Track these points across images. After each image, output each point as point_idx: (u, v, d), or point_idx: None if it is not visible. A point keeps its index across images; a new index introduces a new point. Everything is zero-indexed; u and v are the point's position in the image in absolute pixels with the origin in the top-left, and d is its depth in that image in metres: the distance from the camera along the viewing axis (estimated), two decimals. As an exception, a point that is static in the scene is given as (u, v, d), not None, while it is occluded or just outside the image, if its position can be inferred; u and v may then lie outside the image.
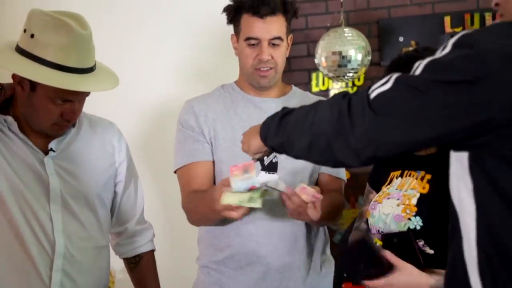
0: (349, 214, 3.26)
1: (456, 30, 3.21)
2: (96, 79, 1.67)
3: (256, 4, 1.86)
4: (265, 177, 1.78)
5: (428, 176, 1.70)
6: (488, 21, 3.16)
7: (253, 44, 1.90)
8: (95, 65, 1.67)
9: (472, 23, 3.20)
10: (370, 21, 3.37)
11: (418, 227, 1.62)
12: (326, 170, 2.05)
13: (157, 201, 3.05)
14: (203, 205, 1.85)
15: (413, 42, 3.25)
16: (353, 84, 3.42)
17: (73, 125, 1.79)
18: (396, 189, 1.76)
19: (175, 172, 1.99)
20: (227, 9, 1.95)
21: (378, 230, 1.68)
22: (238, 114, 1.97)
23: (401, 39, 3.33)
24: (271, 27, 1.88)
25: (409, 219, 1.63)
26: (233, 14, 1.94)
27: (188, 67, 3.35)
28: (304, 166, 1.93)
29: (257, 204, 1.64)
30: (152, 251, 1.99)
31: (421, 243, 1.62)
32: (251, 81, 1.96)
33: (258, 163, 1.74)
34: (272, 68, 1.93)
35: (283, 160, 1.90)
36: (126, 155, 1.92)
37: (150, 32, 3.29)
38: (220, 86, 2.08)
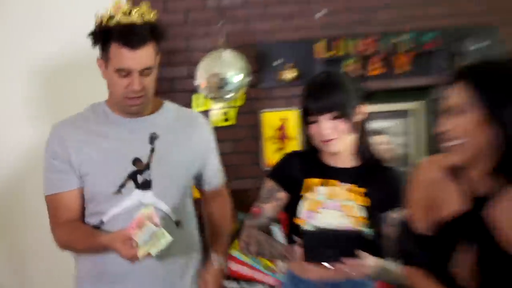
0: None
1: (327, 54, 3.27)
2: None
3: (126, 34, 1.78)
4: (147, 200, 1.83)
5: (362, 190, 1.78)
6: (354, 47, 3.27)
7: (124, 75, 1.81)
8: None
9: (341, 48, 3.28)
10: (248, 45, 3.38)
11: (369, 238, 1.73)
12: (208, 186, 2.08)
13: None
14: (83, 243, 1.86)
15: (288, 65, 3.32)
16: (233, 105, 3.41)
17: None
18: (328, 199, 1.79)
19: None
20: (93, 35, 1.85)
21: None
22: (107, 136, 1.89)
23: (277, 62, 3.35)
24: (142, 57, 1.80)
25: (360, 229, 1.73)
26: (101, 41, 1.83)
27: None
28: (177, 182, 1.92)
29: (167, 237, 1.69)
30: None
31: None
32: (121, 107, 1.89)
33: (147, 214, 1.73)
34: (143, 96, 1.85)
35: (156, 178, 1.88)
36: None
37: None
38: (90, 106, 1.98)
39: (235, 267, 3.15)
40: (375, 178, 1.84)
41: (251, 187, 3.35)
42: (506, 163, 1.44)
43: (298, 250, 1.69)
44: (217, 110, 3.44)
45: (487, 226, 1.46)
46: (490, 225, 1.45)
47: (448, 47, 3.32)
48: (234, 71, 3.12)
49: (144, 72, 1.81)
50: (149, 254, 1.69)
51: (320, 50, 3.32)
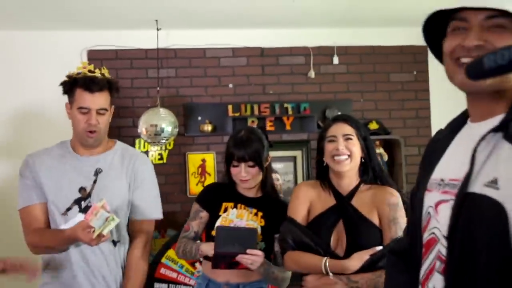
0: (160, 242, 3.26)
1: (236, 114, 3.42)
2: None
3: (88, 82, 1.81)
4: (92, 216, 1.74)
5: (261, 213, 1.83)
6: (256, 109, 3.42)
7: (84, 112, 1.83)
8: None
9: (245, 110, 3.43)
10: (178, 104, 3.47)
11: (261, 249, 1.77)
12: (137, 216, 1.97)
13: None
14: (53, 240, 1.80)
15: (207, 121, 3.44)
16: (165, 148, 3.46)
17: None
18: (236, 218, 1.82)
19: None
20: (64, 84, 1.88)
21: None
22: (64, 167, 1.88)
23: (199, 118, 3.47)
24: (99, 100, 1.83)
25: (257, 243, 1.77)
26: (69, 88, 1.86)
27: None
28: (112, 209, 1.82)
29: (116, 219, 1.69)
30: None
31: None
32: (81, 140, 1.88)
33: (100, 203, 1.72)
34: (98, 131, 1.86)
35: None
36: None
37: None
38: (59, 143, 1.98)
39: (164, 271, 3.09)
40: (271, 206, 1.87)
41: (179, 210, 3.41)
42: (364, 170, 1.74)
43: (209, 248, 1.72)
44: (154, 152, 3.45)
45: (352, 209, 1.69)
46: (355, 208, 1.69)
47: (316, 114, 3.49)
48: (167, 123, 3.15)
49: (99, 111, 1.84)
50: (102, 235, 1.68)
51: (230, 111, 3.43)
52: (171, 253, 3.19)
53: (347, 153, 1.71)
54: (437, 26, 0.99)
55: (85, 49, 3.45)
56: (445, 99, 3.49)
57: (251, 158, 1.80)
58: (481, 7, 0.91)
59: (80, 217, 1.79)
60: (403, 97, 3.71)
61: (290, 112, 3.51)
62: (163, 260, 3.16)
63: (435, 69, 3.64)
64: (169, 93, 3.50)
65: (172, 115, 3.26)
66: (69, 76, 1.87)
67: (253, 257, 1.69)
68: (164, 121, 3.17)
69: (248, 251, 1.67)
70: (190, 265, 3.17)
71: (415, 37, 3.47)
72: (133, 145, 3.36)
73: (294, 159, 3.60)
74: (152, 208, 2.02)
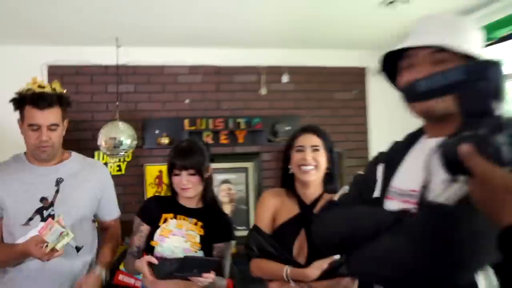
0: (119, 250, 2.91)
1: (192, 128, 3.37)
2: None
3: (36, 99, 1.71)
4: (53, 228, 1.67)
5: (201, 223, 1.73)
6: (210, 124, 3.38)
7: (35, 129, 1.74)
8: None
9: (201, 124, 3.41)
10: (137, 119, 3.43)
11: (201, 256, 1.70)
12: (104, 218, 1.96)
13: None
14: (5, 255, 1.72)
15: (164, 134, 3.39)
16: (124, 160, 3.40)
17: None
18: (176, 228, 1.71)
19: None
20: (13, 101, 1.77)
21: (163, 256, 1.65)
22: (22, 179, 1.79)
23: (157, 131, 3.43)
24: (49, 116, 1.73)
25: (196, 251, 1.68)
26: (18, 105, 1.76)
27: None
28: (75, 217, 1.81)
29: (70, 234, 1.63)
30: None
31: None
32: (34, 155, 1.81)
33: (56, 219, 1.66)
34: (50, 146, 1.77)
35: (57, 213, 1.77)
36: None
37: None
38: (13, 156, 1.88)
39: (122, 277, 3.00)
40: (211, 216, 1.78)
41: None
42: (328, 180, 1.67)
43: (145, 266, 1.60)
44: (113, 163, 3.38)
45: (313, 219, 1.58)
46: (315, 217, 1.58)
47: (267, 128, 3.52)
48: (126, 136, 3.11)
49: (51, 127, 1.74)
50: (55, 250, 1.60)
51: (186, 125, 3.40)
52: None
53: (313, 164, 1.67)
54: (393, 61, 1.02)
55: (46, 64, 3.35)
56: (380, 116, 3.76)
57: (191, 166, 1.71)
58: (421, 45, 0.94)
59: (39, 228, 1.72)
60: (345, 113, 3.78)
61: (242, 126, 3.51)
62: (121, 267, 3.02)
63: (372, 89, 3.84)
64: (128, 108, 3.45)
65: (130, 128, 3.21)
66: (18, 93, 1.77)
67: (207, 280, 1.59)
68: (123, 134, 3.13)
69: (204, 274, 1.58)
70: None
71: (356, 59, 3.74)
72: (92, 157, 3.29)
73: (246, 170, 3.60)
74: (116, 208, 2.04)
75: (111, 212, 2.02)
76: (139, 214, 1.83)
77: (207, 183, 1.81)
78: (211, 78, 3.59)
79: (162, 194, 3.44)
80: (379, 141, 3.74)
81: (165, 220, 1.77)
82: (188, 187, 1.74)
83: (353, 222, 0.96)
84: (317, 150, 1.68)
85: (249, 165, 3.60)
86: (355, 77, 3.79)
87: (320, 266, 1.56)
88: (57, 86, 1.79)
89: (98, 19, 2.76)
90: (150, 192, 3.48)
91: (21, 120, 1.77)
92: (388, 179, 1.01)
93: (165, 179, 3.48)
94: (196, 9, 2.64)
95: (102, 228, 2.03)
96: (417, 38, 0.95)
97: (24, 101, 1.73)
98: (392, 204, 0.97)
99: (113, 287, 3.01)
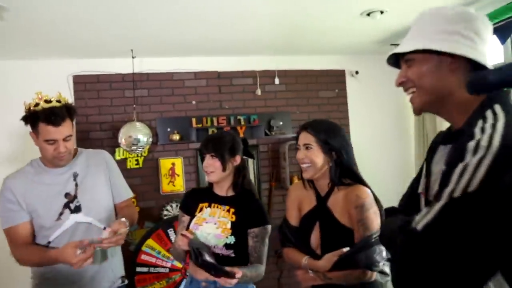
0: (140, 232, 3.15)
1: (198, 125, 3.30)
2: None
3: (49, 117, 1.58)
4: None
5: (233, 210, 1.65)
6: (215, 121, 3.32)
7: (52, 143, 1.63)
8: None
9: (206, 122, 3.32)
10: (151, 119, 3.39)
11: (232, 242, 1.59)
12: (118, 199, 1.84)
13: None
14: (39, 257, 1.62)
15: (175, 132, 3.30)
16: (141, 155, 3.34)
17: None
18: (209, 216, 1.65)
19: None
20: (24, 119, 1.63)
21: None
22: (44, 182, 1.71)
23: (168, 129, 3.37)
24: (63, 130, 1.62)
25: (227, 237, 1.59)
26: (31, 122, 1.62)
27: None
28: (98, 202, 1.74)
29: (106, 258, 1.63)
30: None
31: (230, 251, 1.59)
32: (51, 163, 1.71)
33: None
34: (67, 154, 1.69)
35: (83, 203, 1.71)
36: None
37: None
38: (29, 162, 1.77)
39: (144, 257, 2.99)
40: (242, 203, 1.69)
41: (153, 205, 3.32)
42: (333, 175, 1.49)
43: (184, 241, 1.52)
44: (132, 158, 3.33)
45: (327, 212, 1.48)
46: (329, 211, 1.49)
47: (263, 123, 3.49)
48: (142, 134, 3.09)
49: (66, 139, 1.64)
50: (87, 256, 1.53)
51: (194, 123, 3.35)
52: (149, 242, 3.08)
53: (307, 162, 1.51)
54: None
55: (71, 74, 3.32)
56: (358, 110, 3.81)
57: (212, 149, 1.62)
58: (395, 52, 0.93)
59: (73, 216, 1.67)
60: (329, 109, 3.75)
61: (242, 122, 3.47)
62: (143, 248, 3.06)
63: (351, 88, 3.81)
64: (143, 110, 3.43)
65: (146, 127, 3.20)
66: (28, 110, 1.62)
67: (230, 282, 1.48)
68: (139, 132, 3.12)
69: (226, 280, 1.45)
70: (166, 251, 3.06)
71: (337, 63, 3.79)
72: (113, 153, 3.25)
73: (246, 160, 3.46)
74: (126, 188, 1.93)
75: (123, 192, 1.89)
76: (180, 207, 1.78)
77: (238, 172, 1.71)
78: (214, 82, 3.55)
79: (175, 183, 3.42)
80: (357, 132, 3.75)
81: (201, 209, 1.70)
82: (210, 170, 1.64)
83: (381, 234, 0.95)
84: (309, 148, 1.51)
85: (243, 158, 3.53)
86: (336, 78, 3.77)
87: (329, 259, 1.43)
88: (61, 97, 1.67)
89: (115, 33, 2.75)
90: (164, 182, 3.41)
91: (35, 134, 1.64)
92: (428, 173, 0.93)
93: (177, 170, 3.42)
94: (200, 22, 2.62)
95: (117, 210, 1.87)
96: (401, 43, 0.94)
97: (37, 118, 1.60)
98: (424, 201, 0.90)
99: (136, 265, 2.99)
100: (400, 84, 0.93)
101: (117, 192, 1.87)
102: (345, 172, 1.50)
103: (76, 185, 1.74)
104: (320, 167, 1.50)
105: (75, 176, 1.76)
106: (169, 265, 3.02)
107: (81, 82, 3.27)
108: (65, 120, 1.61)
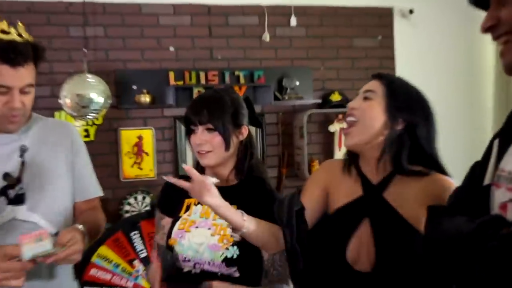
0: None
1: (178, 83, 3.32)
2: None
3: (7, 51, 1.54)
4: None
5: (235, 207, 1.53)
6: (202, 77, 3.36)
7: (3, 92, 1.57)
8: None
9: (190, 78, 3.35)
10: (109, 71, 3.32)
11: (235, 256, 1.52)
12: (78, 198, 1.80)
13: None
14: None
15: (144, 91, 3.29)
16: (93, 123, 3.33)
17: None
18: (200, 217, 1.61)
19: None
20: None
21: (185, 258, 1.53)
22: None
23: (134, 87, 3.33)
24: (24, 75, 1.57)
25: (227, 248, 1.52)
26: None
27: None
28: (52, 193, 1.71)
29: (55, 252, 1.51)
30: None
31: (233, 269, 1.53)
32: None
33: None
34: (21, 115, 1.65)
35: (29, 191, 1.66)
36: None
37: None
38: None
39: (95, 272, 2.99)
40: (251, 196, 1.62)
41: (110, 197, 3.29)
42: (396, 154, 1.42)
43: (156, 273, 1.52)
44: (79, 127, 3.27)
45: (385, 206, 1.42)
46: (388, 205, 1.41)
47: (272, 83, 3.47)
48: (97, 93, 3.01)
49: (25, 89, 1.60)
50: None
51: (171, 79, 3.33)
52: (103, 250, 3.05)
53: (356, 115, 1.42)
54: None
55: (-13, -1, 3.19)
56: (411, 68, 3.76)
57: (209, 118, 1.54)
58: None
59: (11, 210, 1.62)
60: (368, 64, 3.74)
61: (242, 81, 3.47)
62: (94, 259, 3.02)
63: (401, 34, 3.83)
64: (97, 57, 3.36)
65: (101, 83, 3.11)
66: None
67: None
68: (92, 90, 3.03)
69: None
70: (127, 263, 3.06)
71: None
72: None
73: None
74: (95, 183, 1.88)
75: (89, 188, 1.84)
76: (158, 205, 1.75)
77: (244, 150, 1.63)
78: (202, 20, 3.52)
79: (142, 166, 3.44)
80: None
81: (188, 208, 1.64)
82: (206, 149, 1.56)
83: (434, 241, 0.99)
84: (369, 97, 1.43)
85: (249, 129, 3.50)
86: (380, 19, 3.77)
87: None
88: (23, 32, 1.61)
89: None
90: (127, 163, 3.42)
91: None
92: (500, 160, 0.95)
93: (145, 146, 3.43)
94: None
95: (77, 213, 1.82)
96: None
97: None
98: (499, 195, 0.92)
99: (83, 285, 2.98)
100: (488, 29, 0.95)
101: (82, 186, 1.81)
102: (417, 155, 1.43)
103: (23, 163, 1.66)
104: (371, 130, 1.42)
105: (22, 150, 1.68)
106: (131, 284, 3.04)
107: (3, 12, 3.08)
108: (27, 62, 1.56)
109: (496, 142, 0.98)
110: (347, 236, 1.42)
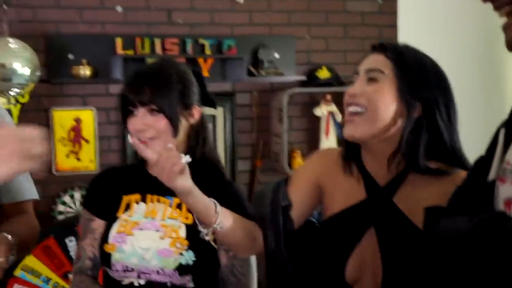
0: None
1: (128, 52, 3.31)
2: None
3: None
4: None
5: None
6: (158, 46, 3.35)
7: None
8: None
9: (142, 47, 3.34)
10: (37, 35, 3.30)
11: (190, 263, 1.56)
12: (4, 199, 1.76)
13: None
14: None
15: (84, 61, 3.26)
16: (17, 101, 3.26)
17: None
18: (145, 218, 1.64)
19: None
20: None
21: (127, 268, 1.55)
22: None
23: (71, 57, 3.30)
24: None
25: (181, 253, 1.56)
26: None
27: None
28: None
29: None
30: None
31: (187, 278, 1.57)
32: None
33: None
34: None
35: None
36: None
37: None
38: None
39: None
40: (205, 190, 1.59)
41: (40, 195, 3.27)
42: (412, 148, 1.42)
43: None
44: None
45: (394, 212, 1.44)
46: (398, 210, 1.43)
47: (246, 55, 3.49)
48: (21, 62, 3.00)
49: None
50: None
51: (119, 47, 3.32)
52: (30, 261, 3.05)
53: (360, 103, 1.37)
54: None
55: None
56: (417, 39, 3.60)
57: (151, 96, 1.57)
58: None
59: None
60: (364, 33, 3.75)
61: (207, 51, 3.48)
62: (17, 272, 3.00)
63: None
64: (22, 16, 3.32)
65: (28, 49, 3.06)
66: None
67: None
68: (15, 59, 3.01)
69: None
70: (60, 277, 3.08)
71: None
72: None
73: (212, 119, 3.60)
74: (29, 182, 1.84)
75: (20, 188, 1.80)
76: (85, 204, 1.79)
77: (195, 136, 1.68)
78: None
79: (80, 156, 3.45)
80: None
81: (128, 207, 1.68)
82: (149, 135, 1.59)
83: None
84: (375, 78, 1.39)
85: (217, 111, 3.59)
86: None
87: None
88: None
89: None
90: (61, 152, 3.42)
91: None
92: (506, 151, 1.02)
93: (85, 131, 3.42)
94: None
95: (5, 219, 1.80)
96: None
97: None
98: (504, 190, 0.99)
99: None
100: None
101: (11, 185, 1.76)
102: (435, 148, 1.41)
103: None
104: (382, 122, 1.38)
105: None
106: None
107: None
108: None
109: (503, 131, 1.03)
110: (346, 250, 1.43)
